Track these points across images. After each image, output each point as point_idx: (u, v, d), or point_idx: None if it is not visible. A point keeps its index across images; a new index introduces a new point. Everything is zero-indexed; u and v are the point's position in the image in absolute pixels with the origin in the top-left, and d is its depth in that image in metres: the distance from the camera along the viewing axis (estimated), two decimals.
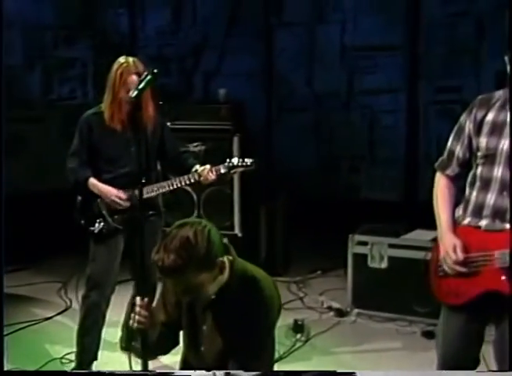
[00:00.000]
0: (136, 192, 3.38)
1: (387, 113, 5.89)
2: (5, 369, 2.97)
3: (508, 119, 2.37)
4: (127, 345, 3.82)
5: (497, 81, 4.91)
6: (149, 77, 2.41)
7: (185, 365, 2.41)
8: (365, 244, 4.44)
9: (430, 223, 4.59)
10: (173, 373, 2.44)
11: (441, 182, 2.58)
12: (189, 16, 6.31)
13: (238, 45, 6.12)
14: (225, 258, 2.20)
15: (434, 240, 4.14)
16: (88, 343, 3.51)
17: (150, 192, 3.39)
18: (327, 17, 5.96)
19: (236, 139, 5.03)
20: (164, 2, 6.42)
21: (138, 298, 2.29)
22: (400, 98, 5.80)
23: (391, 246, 4.38)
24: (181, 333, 2.44)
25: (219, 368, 2.22)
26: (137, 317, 2.29)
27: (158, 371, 2.41)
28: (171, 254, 2.09)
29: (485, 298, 2.40)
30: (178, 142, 3.72)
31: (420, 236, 4.46)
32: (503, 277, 2.33)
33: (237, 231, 5.13)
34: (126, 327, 3.83)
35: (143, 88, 2.39)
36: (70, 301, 4.67)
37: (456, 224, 2.51)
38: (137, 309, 2.30)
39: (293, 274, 5.25)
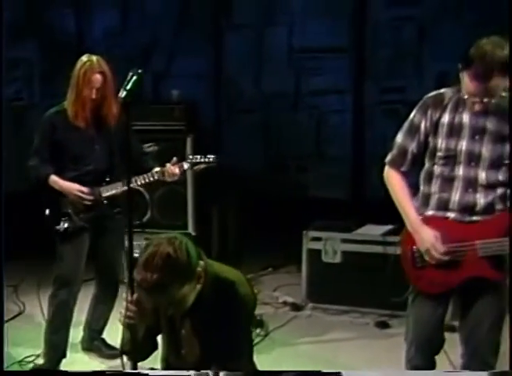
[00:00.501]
0: (101, 189, 3.43)
1: (334, 114, 6.00)
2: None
3: (465, 121, 2.51)
4: (88, 345, 3.83)
5: (438, 82, 5.12)
6: (135, 77, 2.44)
7: (167, 366, 2.43)
8: (319, 239, 4.57)
9: (378, 219, 4.74)
10: (139, 372, 2.45)
11: (396, 178, 2.65)
12: (138, 17, 6.26)
13: (187, 46, 6.11)
14: (200, 267, 2.22)
15: (387, 234, 4.40)
16: (57, 341, 3.51)
17: (114, 189, 3.41)
18: (275, 19, 6.02)
19: (189, 140, 5.07)
20: (111, 2, 6.36)
21: (125, 294, 2.30)
22: (347, 98, 5.92)
23: (344, 241, 4.52)
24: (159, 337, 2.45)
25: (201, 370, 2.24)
26: (128, 313, 2.28)
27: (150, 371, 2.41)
28: (154, 272, 2.09)
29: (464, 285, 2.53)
30: (138, 143, 3.75)
31: (370, 230, 4.63)
32: (488, 264, 2.46)
33: (191, 230, 5.17)
34: (88, 327, 3.83)
35: (131, 88, 2.40)
36: (24, 305, 4.59)
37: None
38: (127, 304, 2.30)
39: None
